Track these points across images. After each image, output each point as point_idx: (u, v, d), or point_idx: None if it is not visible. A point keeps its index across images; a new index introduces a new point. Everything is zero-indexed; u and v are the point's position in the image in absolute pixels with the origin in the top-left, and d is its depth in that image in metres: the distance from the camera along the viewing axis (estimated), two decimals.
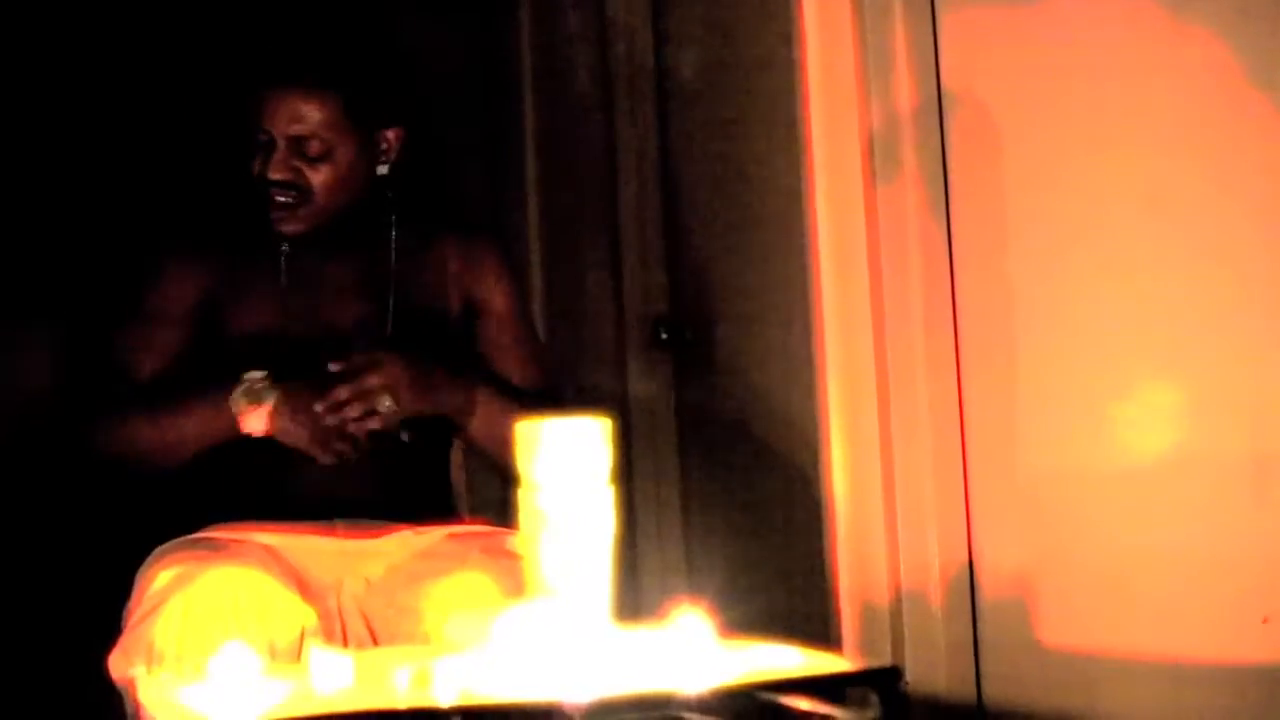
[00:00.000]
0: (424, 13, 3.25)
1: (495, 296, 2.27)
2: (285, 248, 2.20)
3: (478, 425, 2.13)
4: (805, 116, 2.47)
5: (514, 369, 2.25)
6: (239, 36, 2.98)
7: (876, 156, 2.42)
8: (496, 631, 1.41)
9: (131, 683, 1.76)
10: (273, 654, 1.85)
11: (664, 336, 2.98)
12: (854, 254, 2.43)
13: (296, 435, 2.06)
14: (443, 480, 2.29)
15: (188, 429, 2.08)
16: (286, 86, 2.15)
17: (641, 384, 3.02)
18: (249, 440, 2.09)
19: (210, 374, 2.12)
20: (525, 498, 1.49)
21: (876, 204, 2.41)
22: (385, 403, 2.05)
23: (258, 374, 2.06)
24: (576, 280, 3.20)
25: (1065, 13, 2.21)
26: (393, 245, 2.24)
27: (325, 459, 2.06)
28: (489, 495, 2.48)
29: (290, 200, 2.14)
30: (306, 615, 1.94)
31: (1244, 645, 1.96)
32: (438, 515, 2.16)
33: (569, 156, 3.24)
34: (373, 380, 2.04)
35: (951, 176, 2.39)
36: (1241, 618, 1.95)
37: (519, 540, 2.00)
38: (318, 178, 2.15)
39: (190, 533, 2.04)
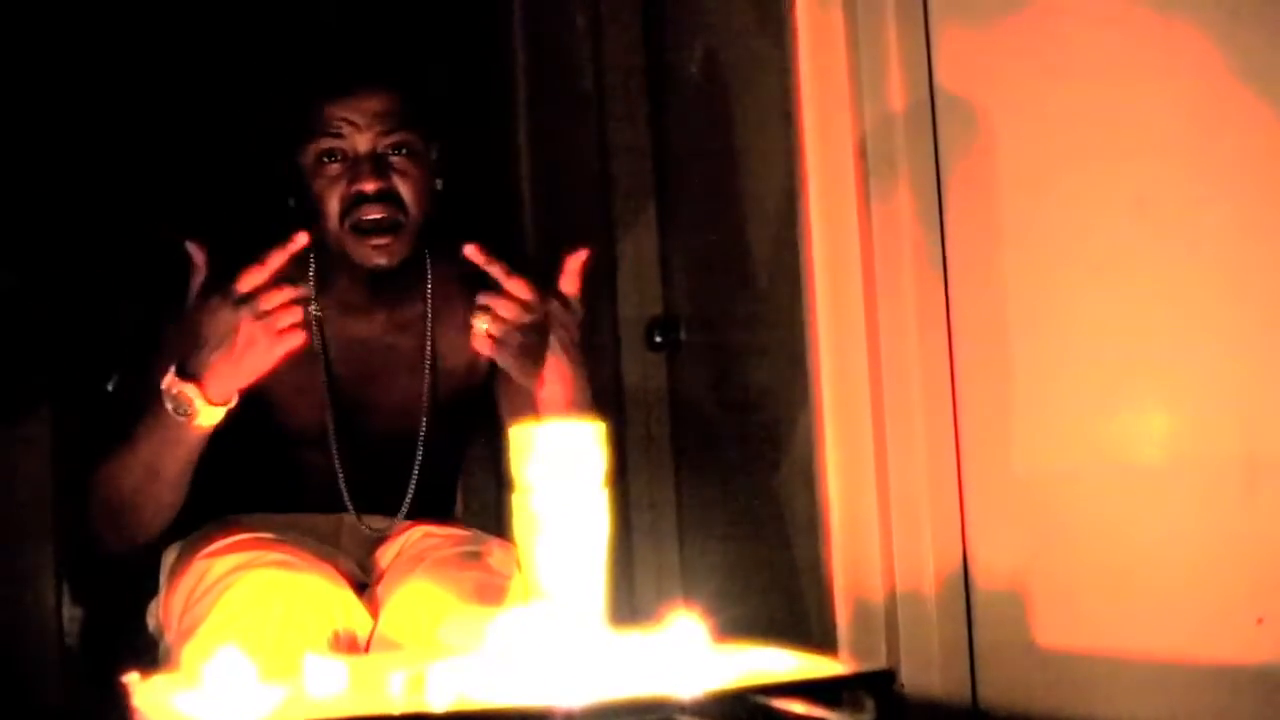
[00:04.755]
0: (416, 12, 3.25)
1: None
2: (315, 309, 2.02)
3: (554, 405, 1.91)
4: (798, 119, 2.47)
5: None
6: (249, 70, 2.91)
7: (869, 160, 2.42)
8: (491, 636, 1.41)
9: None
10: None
11: (658, 339, 2.99)
12: (847, 256, 2.43)
13: (248, 372, 1.81)
14: (450, 484, 2.28)
15: (153, 457, 1.87)
16: (363, 88, 1.96)
17: (636, 387, 3.03)
18: (252, 438, 2.07)
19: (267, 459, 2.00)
20: (519, 501, 1.50)
21: (869, 207, 2.41)
22: (483, 325, 1.83)
23: (168, 378, 1.82)
24: None
25: (1058, 16, 2.21)
26: (429, 302, 2.09)
27: (289, 343, 1.81)
28: (485, 498, 2.48)
29: (388, 219, 1.93)
30: (368, 620, 1.93)
31: (1239, 646, 1.96)
32: (437, 518, 2.15)
33: (562, 158, 3.24)
34: (527, 307, 1.81)
35: (945, 179, 2.39)
36: (1236, 618, 1.95)
37: (493, 547, 2.02)
38: (408, 188, 1.95)
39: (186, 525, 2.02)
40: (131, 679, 1.57)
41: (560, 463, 1.48)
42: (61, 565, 2.86)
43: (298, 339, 1.82)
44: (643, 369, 3.03)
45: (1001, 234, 2.32)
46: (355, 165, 1.96)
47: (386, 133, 1.97)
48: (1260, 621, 1.94)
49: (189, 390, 1.82)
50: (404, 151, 1.98)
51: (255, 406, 1.97)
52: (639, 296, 3.04)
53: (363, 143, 1.96)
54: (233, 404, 1.86)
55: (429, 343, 2.11)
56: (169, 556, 2.03)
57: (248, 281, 1.79)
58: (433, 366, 2.11)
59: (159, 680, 1.57)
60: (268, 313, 1.80)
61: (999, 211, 2.32)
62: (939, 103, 2.40)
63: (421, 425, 2.11)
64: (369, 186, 1.95)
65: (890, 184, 2.41)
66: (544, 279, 1.94)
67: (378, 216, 1.96)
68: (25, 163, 2.88)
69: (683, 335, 2.95)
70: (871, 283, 2.42)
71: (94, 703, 1.80)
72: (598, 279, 3.10)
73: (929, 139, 2.41)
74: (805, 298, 2.47)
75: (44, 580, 2.85)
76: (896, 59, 2.41)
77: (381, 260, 1.98)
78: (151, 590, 2.05)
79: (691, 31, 2.86)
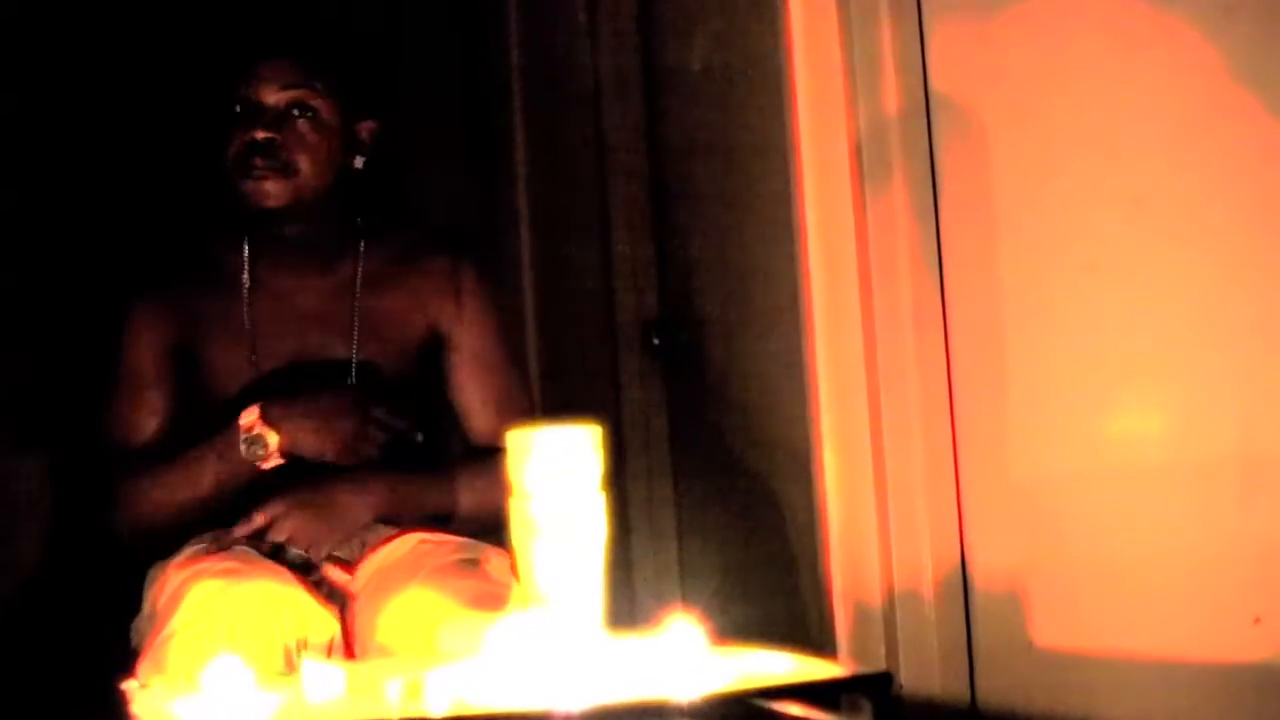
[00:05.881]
0: (411, 11, 3.25)
1: (468, 328, 2.22)
2: (246, 279, 2.15)
3: (412, 512, 2.11)
4: (793, 120, 2.47)
5: (475, 409, 2.22)
6: (203, 34, 2.95)
7: (865, 160, 2.42)
8: (489, 640, 1.41)
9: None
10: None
11: (655, 341, 2.98)
12: (843, 257, 2.43)
13: (320, 448, 2.04)
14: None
15: (202, 487, 2.05)
16: (276, 53, 2.12)
17: (633, 388, 3.02)
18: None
19: (199, 428, 2.09)
20: (516, 506, 1.50)
21: (865, 208, 2.41)
22: (294, 552, 2.03)
23: (251, 417, 2.03)
24: (567, 285, 3.21)
25: (1052, 15, 2.21)
26: (359, 270, 2.19)
27: (350, 460, 2.05)
28: None
29: (272, 165, 2.07)
30: (332, 625, 1.94)
31: (1236, 645, 1.96)
32: (425, 523, 2.15)
33: (558, 159, 3.24)
34: (279, 535, 2.02)
35: (940, 180, 2.39)
36: (1233, 618, 1.95)
37: (490, 555, 2.03)
38: (302, 148, 2.09)
39: (173, 545, 2.04)
40: (130, 686, 1.57)
41: (557, 467, 1.48)
42: (59, 570, 2.87)
43: (353, 461, 2.07)
44: (640, 370, 3.03)
45: (997, 233, 2.32)
46: (256, 114, 2.10)
47: (290, 87, 2.10)
48: (1257, 621, 1.94)
49: (270, 434, 2.03)
50: (308, 114, 2.11)
51: (200, 397, 2.12)
52: (636, 297, 3.04)
53: (268, 95, 2.10)
54: (285, 460, 2.05)
55: (355, 306, 2.18)
56: (150, 574, 2.04)
57: (378, 413, 2.07)
58: (361, 329, 2.18)
59: (157, 687, 1.57)
60: (364, 437, 2.06)
61: (995, 211, 2.32)
62: (934, 102, 2.40)
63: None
64: (260, 134, 2.08)
65: (886, 183, 2.41)
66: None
67: (259, 161, 2.08)
68: (20, 164, 2.89)
69: (680, 336, 2.95)
70: (868, 282, 2.42)
71: (92, 709, 1.80)
72: (595, 279, 3.11)
73: (924, 138, 2.41)
74: (802, 298, 2.47)
75: (41, 586, 2.85)
76: (891, 59, 2.41)
77: (262, 200, 2.09)
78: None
79: (687, 31, 2.85)
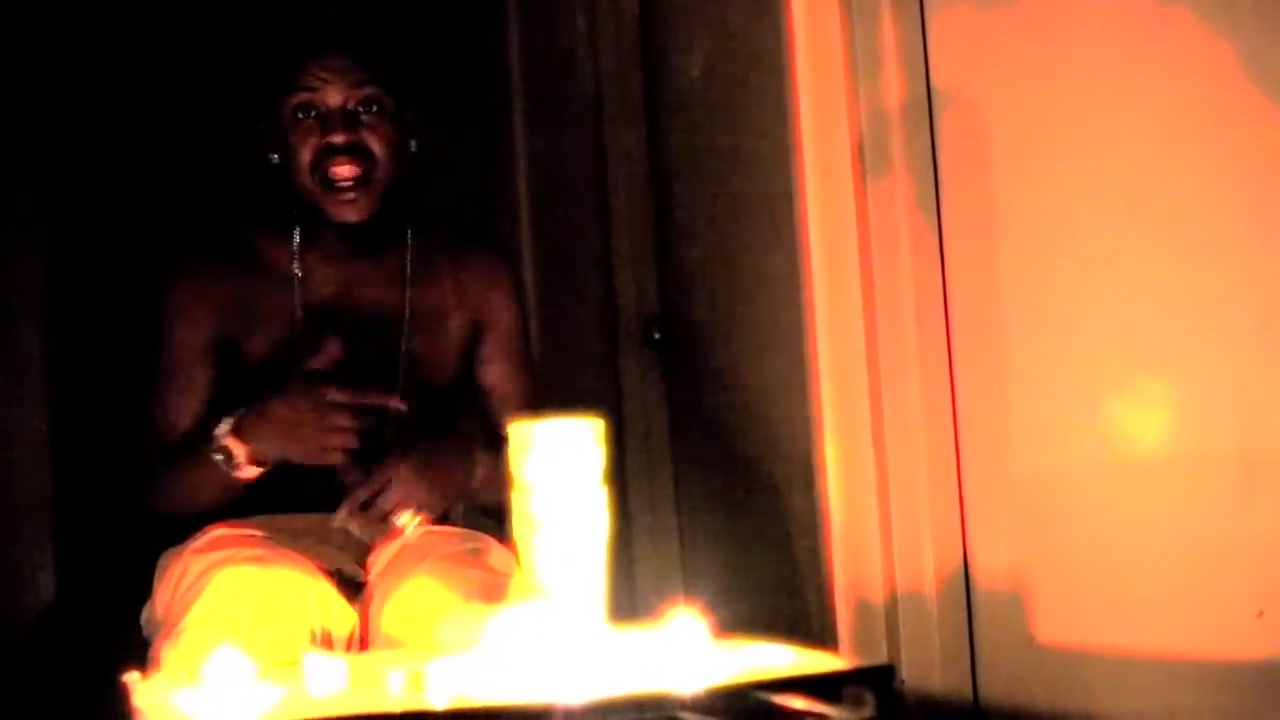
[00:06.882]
0: (411, 11, 3.25)
1: (503, 313, 2.24)
2: (298, 270, 2.13)
3: (487, 492, 2.07)
4: (795, 116, 2.46)
5: (508, 379, 2.25)
6: (228, 42, 2.97)
7: (866, 155, 2.42)
8: (490, 633, 1.41)
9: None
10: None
11: (656, 337, 2.99)
12: (845, 253, 2.42)
13: (290, 454, 1.96)
14: None
15: (210, 489, 2.00)
16: (338, 49, 2.07)
17: (634, 384, 3.02)
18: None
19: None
20: (518, 500, 1.50)
21: (867, 202, 2.41)
22: (404, 518, 1.99)
23: (224, 428, 1.97)
24: (569, 282, 3.21)
25: (1053, 10, 2.21)
26: (409, 259, 2.18)
27: (331, 459, 1.96)
28: None
29: (358, 172, 2.03)
30: (352, 618, 1.94)
31: (1239, 640, 1.96)
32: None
33: (559, 159, 3.24)
34: (393, 499, 1.97)
35: (942, 174, 2.39)
36: (1236, 613, 1.95)
37: (491, 545, 2.03)
38: (379, 144, 2.05)
39: (181, 531, 2.03)
40: (131, 678, 1.57)
41: (559, 460, 1.48)
42: (61, 565, 2.87)
43: (335, 459, 1.97)
44: (641, 367, 3.03)
45: (999, 229, 2.32)
46: (327, 119, 2.05)
47: (357, 85, 2.06)
48: (1260, 615, 1.94)
49: (236, 446, 1.96)
50: (375, 108, 2.07)
51: (243, 387, 2.06)
52: (636, 293, 3.04)
53: (335, 97, 2.05)
54: (268, 467, 1.99)
55: (406, 298, 2.17)
56: (163, 561, 2.04)
57: (337, 395, 1.95)
58: (410, 321, 2.17)
59: (158, 679, 1.57)
60: (330, 428, 1.94)
61: (996, 207, 2.32)
62: (935, 98, 2.40)
63: (398, 376, 2.13)
64: (339, 139, 2.04)
65: (887, 180, 2.41)
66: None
67: (345, 170, 2.04)
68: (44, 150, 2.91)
69: (680, 333, 2.95)
70: (869, 279, 2.41)
71: (94, 702, 1.80)
72: (596, 276, 3.11)
73: (926, 134, 2.41)
74: (803, 295, 2.46)
75: (43, 580, 2.86)
76: (893, 54, 2.41)
77: (350, 215, 2.06)
78: (148, 592, 2.06)
79: (689, 30, 2.85)
